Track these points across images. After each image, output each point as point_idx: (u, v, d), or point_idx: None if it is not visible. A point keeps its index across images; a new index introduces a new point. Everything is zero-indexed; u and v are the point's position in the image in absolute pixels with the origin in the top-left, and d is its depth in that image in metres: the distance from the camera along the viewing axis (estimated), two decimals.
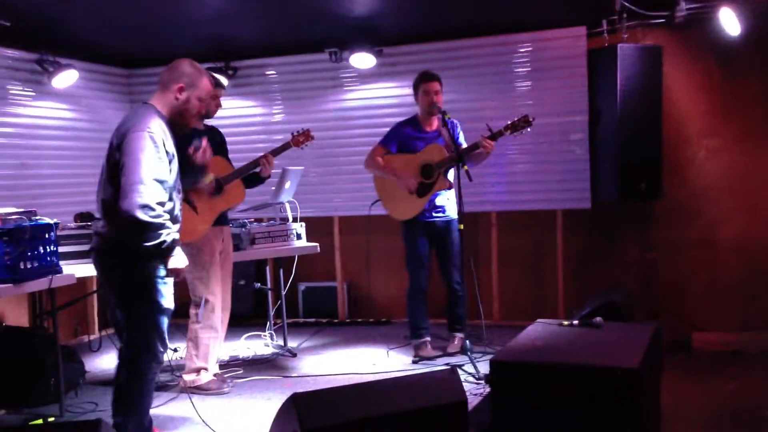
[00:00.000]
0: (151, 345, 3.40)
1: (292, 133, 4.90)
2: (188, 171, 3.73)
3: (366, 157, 5.18)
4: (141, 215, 3.12)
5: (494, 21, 5.77)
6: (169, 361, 5.02)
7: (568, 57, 5.73)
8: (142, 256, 3.27)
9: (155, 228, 3.19)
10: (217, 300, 4.57)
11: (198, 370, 4.58)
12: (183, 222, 4.31)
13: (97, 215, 3.43)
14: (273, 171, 4.80)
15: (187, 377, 4.59)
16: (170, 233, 3.28)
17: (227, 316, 4.78)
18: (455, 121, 5.09)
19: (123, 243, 3.27)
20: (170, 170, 3.35)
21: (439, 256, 5.15)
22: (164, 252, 3.28)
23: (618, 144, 5.31)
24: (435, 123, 5.09)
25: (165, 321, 3.44)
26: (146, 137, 3.25)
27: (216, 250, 4.60)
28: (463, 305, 5.11)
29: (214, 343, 4.62)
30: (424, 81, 5.03)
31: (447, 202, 5.08)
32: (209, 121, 4.73)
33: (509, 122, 4.83)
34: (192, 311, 4.57)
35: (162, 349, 3.46)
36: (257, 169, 4.68)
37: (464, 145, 4.96)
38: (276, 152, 4.73)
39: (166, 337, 3.48)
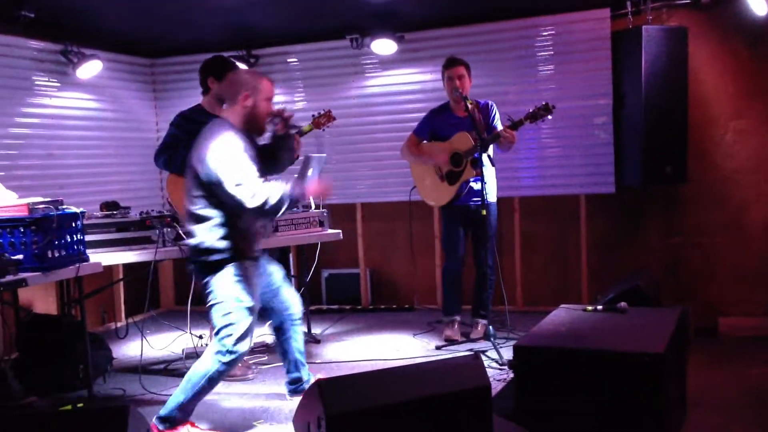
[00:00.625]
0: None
1: (313, 115, 4.89)
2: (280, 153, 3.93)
3: (402, 146, 5.28)
4: (255, 205, 3.44)
5: (516, 4, 5.72)
6: (194, 348, 5.08)
7: (591, 40, 5.67)
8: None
9: (269, 207, 3.48)
10: None
11: None
12: None
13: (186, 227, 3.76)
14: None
15: None
16: (273, 199, 3.49)
17: None
18: (491, 104, 5.09)
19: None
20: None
21: (473, 239, 5.20)
22: (293, 205, 3.66)
23: (643, 127, 5.24)
24: (462, 101, 4.95)
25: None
26: (223, 145, 3.51)
27: None
28: (490, 290, 5.12)
29: None
30: (446, 67, 5.05)
31: (475, 191, 5.06)
32: None
33: (529, 110, 4.81)
34: None
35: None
36: None
37: (499, 128, 4.94)
38: (301, 134, 4.70)
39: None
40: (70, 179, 5.73)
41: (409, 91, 6.20)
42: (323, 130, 4.93)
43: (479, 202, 4.82)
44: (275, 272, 3.93)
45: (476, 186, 5.00)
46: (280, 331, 3.98)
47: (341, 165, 6.41)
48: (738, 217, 5.49)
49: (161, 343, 5.49)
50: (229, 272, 3.58)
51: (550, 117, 4.82)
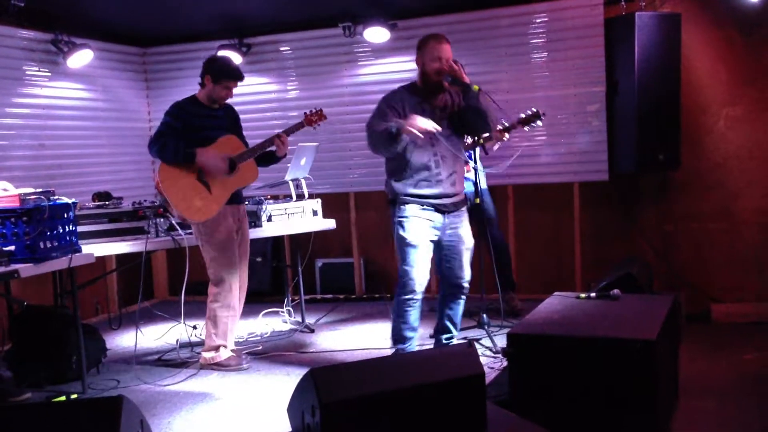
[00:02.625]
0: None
1: (305, 113, 4.87)
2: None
3: None
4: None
5: None
6: (189, 338, 5.08)
7: (584, 27, 5.66)
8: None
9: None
10: (234, 279, 4.59)
11: (217, 348, 4.62)
12: (196, 201, 4.35)
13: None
14: (289, 147, 4.80)
15: (207, 354, 4.63)
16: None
17: (243, 295, 4.81)
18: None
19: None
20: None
21: (478, 224, 5.21)
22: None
23: (636, 114, 5.24)
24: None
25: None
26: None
27: (231, 228, 4.60)
28: (507, 261, 5.48)
29: (233, 322, 4.65)
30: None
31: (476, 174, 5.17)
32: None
33: (521, 116, 5.00)
34: (211, 290, 4.60)
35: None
36: (272, 149, 4.67)
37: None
38: (289, 131, 4.70)
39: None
40: (62, 170, 5.71)
41: (403, 79, 6.04)
42: (314, 128, 4.90)
43: (473, 193, 4.94)
44: None
45: (469, 175, 5.03)
46: None
47: (334, 154, 6.40)
48: (731, 203, 5.50)
49: (155, 334, 5.49)
50: None
51: (540, 123, 5.04)
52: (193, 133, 4.44)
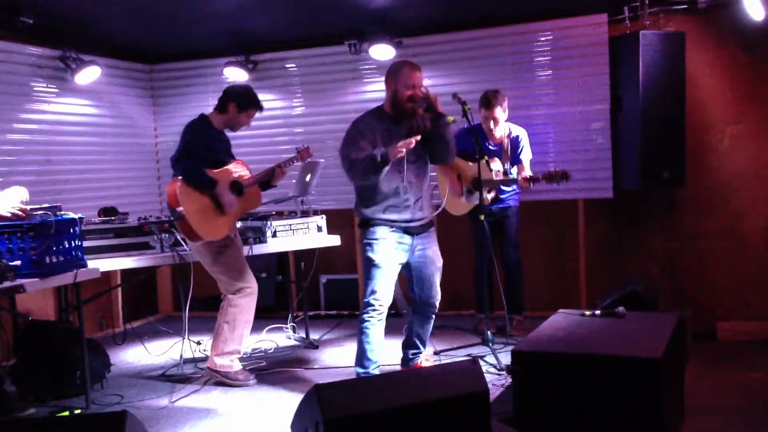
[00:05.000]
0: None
1: (297, 148, 4.98)
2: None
3: None
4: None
5: (514, 10, 5.73)
6: (193, 354, 5.08)
7: (589, 45, 5.68)
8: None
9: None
10: (254, 285, 4.68)
11: (231, 353, 4.62)
12: (210, 219, 4.42)
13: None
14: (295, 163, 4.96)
15: (219, 360, 4.61)
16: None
17: None
18: (520, 137, 5.36)
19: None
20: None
21: (500, 239, 5.45)
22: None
23: (640, 132, 5.24)
24: (498, 135, 5.31)
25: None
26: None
27: (239, 244, 4.74)
28: (518, 284, 5.45)
29: (250, 328, 4.71)
30: (484, 107, 5.26)
31: (506, 194, 5.39)
32: None
33: (548, 172, 5.01)
34: (229, 298, 4.61)
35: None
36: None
37: (526, 159, 5.34)
38: (286, 165, 4.83)
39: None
40: (69, 185, 5.74)
41: None
42: (305, 162, 5.07)
43: (503, 205, 5.38)
44: None
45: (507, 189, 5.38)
46: None
47: (339, 170, 6.35)
48: (736, 221, 5.49)
49: (159, 349, 5.49)
50: None
51: (563, 183, 5.00)
52: (209, 154, 4.54)
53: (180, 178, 4.40)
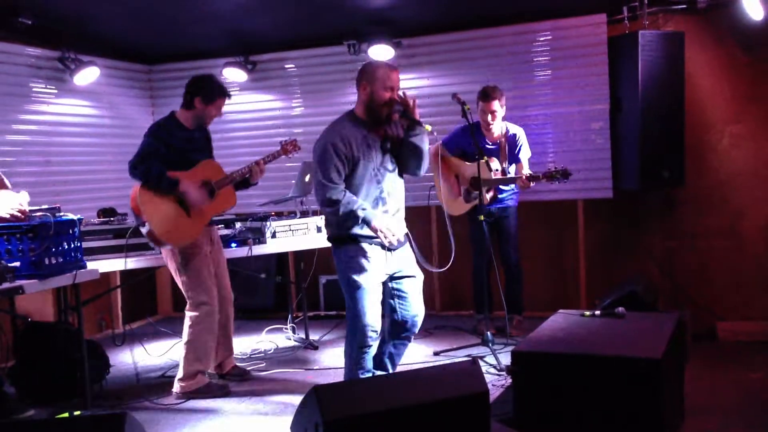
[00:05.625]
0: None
1: (281, 143, 4.79)
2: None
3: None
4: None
5: (513, 10, 5.73)
6: None
7: (588, 45, 5.68)
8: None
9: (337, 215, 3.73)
10: (214, 301, 4.46)
11: (195, 374, 4.45)
12: (176, 225, 4.25)
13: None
14: (293, 164, 4.80)
15: (184, 383, 4.43)
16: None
17: (232, 309, 4.75)
18: (518, 135, 5.31)
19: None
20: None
21: (499, 239, 5.45)
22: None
23: (640, 132, 5.24)
24: (496, 133, 5.29)
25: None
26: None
27: (205, 252, 4.50)
28: (517, 284, 5.45)
29: (214, 346, 4.54)
30: (482, 99, 5.22)
31: (505, 193, 5.38)
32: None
33: (548, 170, 5.02)
34: (190, 314, 4.45)
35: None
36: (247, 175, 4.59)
37: (524, 156, 5.33)
38: (266, 160, 4.64)
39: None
40: (68, 186, 5.74)
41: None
42: (290, 156, 4.83)
43: (502, 206, 5.38)
44: None
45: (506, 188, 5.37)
46: None
47: None
48: (735, 221, 5.49)
49: (159, 350, 5.48)
50: None
51: (564, 181, 5.03)
52: (174, 155, 4.34)
53: (140, 184, 4.22)
